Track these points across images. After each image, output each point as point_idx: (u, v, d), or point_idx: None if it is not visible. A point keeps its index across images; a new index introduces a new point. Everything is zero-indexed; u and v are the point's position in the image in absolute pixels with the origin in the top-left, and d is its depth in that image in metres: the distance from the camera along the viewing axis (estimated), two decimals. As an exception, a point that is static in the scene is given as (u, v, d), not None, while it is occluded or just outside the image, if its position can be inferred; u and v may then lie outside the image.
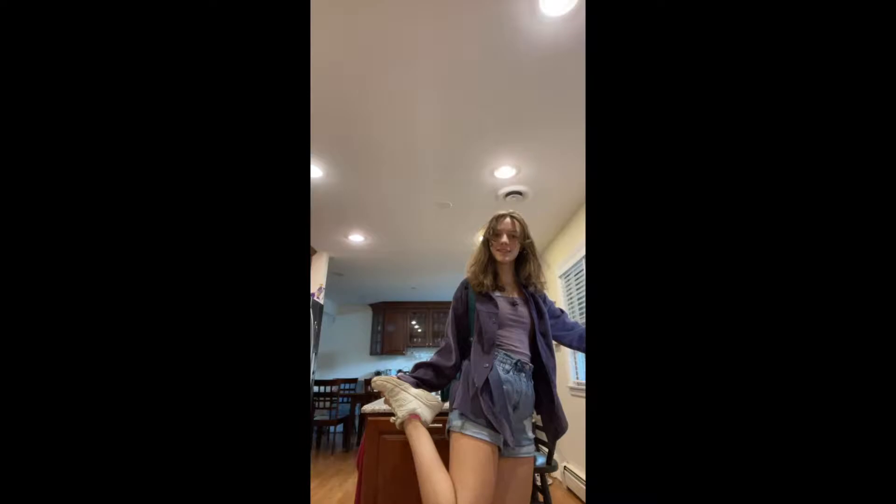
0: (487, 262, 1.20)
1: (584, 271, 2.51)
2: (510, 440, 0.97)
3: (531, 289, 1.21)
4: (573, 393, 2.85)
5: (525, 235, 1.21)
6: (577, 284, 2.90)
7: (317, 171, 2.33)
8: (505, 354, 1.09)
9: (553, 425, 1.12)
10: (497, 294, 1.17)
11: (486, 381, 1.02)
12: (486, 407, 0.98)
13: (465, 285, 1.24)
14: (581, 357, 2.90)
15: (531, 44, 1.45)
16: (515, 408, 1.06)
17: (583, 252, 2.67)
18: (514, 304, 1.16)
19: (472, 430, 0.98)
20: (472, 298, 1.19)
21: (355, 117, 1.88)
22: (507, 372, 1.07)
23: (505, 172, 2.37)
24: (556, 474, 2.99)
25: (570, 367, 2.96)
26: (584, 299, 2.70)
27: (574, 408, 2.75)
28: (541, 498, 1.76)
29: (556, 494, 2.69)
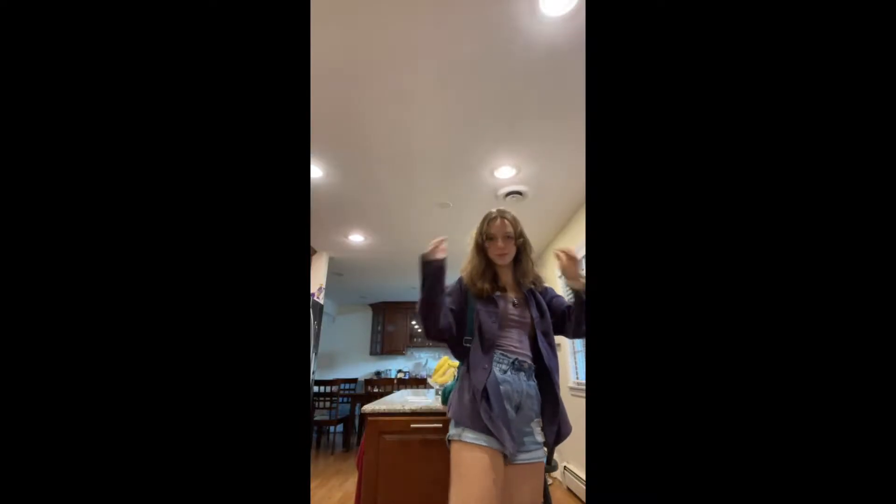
0: (485, 267, 1.16)
1: (584, 271, 2.51)
2: (510, 446, 0.94)
3: (529, 286, 1.18)
4: (573, 393, 2.85)
5: (519, 234, 1.17)
6: (577, 284, 2.89)
7: (317, 171, 2.33)
8: (502, 354, 1.06)
9: (555, 428, 1.06)
10: (498, 295, 1.14)
11: (485, 385, 0.99)
12: (484, 413, 0.95)
13: (460, 281, 1.19)
14: (581, 357, 2.90)
15: (531, 44, 1.45)
16: (518, 408, 1.02)
17: (583, 252, 2.66)
18: (514, 304, 1.14)
19: (471, 437, 0.95)
20: (470, 297, 1.15)
21: (355, 117, 1.88)
22: (505, 372, 1.04)
23: (505, 172, 2.37)
24: (556, 474, 2.98)
25: (570, 367, 2.96)
26: (584, 299, 2.69)
27: (574, 408, 2.75)
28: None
29: (556, 494, 2.69)
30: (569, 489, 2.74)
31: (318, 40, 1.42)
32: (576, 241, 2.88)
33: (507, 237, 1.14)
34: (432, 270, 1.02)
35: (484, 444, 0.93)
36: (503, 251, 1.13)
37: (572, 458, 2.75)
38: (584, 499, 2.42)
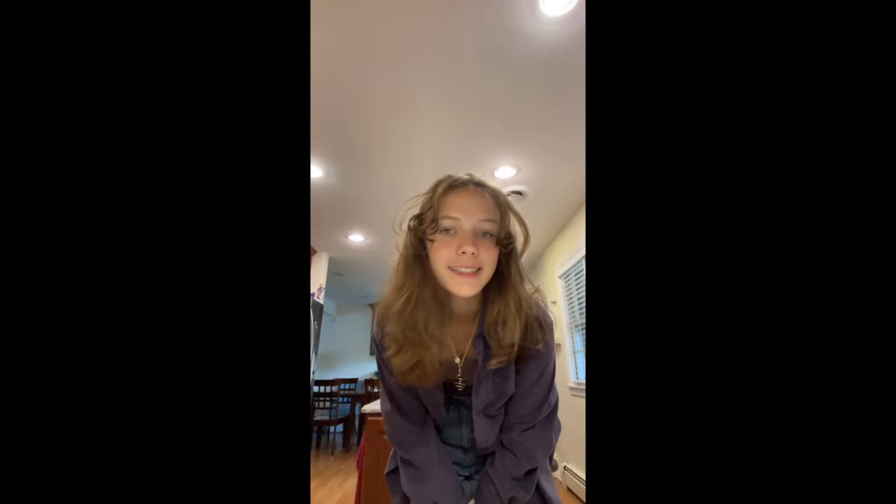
0: (423, 311, 0.57)
1: (584, 271, 2.51)
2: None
3: (503, 357, 0.57)
4: (573, 393, 2.85)
5: (506, 235, 0.58)
6: (577, 284, 2.90)
7: (317, 171, 2.33)
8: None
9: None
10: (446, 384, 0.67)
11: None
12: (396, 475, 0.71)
13: (379, 349, 0.67)
14: (581, 357, 2.90)
15: (531, 44, 1.45)
16: (467, 450, 0.72)
17: (583, 252, 2.67)
18: (459, 389, 0.65)
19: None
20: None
21: (355, 117, 1.88)
22: (447, 409, 0.72)
23: (505, 172, 2.37)
24: (556, 474, 2.99)
25: (570, 367, 2.96)
26: (584, 299, 2.70)
27: (574, 408, 2.75)
28: (541, 498, 1.76)
29: (556, 494, 2.68)
30: (569, 489, 2.74)
31: (319, 40, 1.42)
32: (576, 241, 2.88)
33: (480, 233, 0.55)
34: None
35: None
36: (471, 264, 0.54)
37: (572, 458, 2.75)
38: (584, 499, 2.42)
